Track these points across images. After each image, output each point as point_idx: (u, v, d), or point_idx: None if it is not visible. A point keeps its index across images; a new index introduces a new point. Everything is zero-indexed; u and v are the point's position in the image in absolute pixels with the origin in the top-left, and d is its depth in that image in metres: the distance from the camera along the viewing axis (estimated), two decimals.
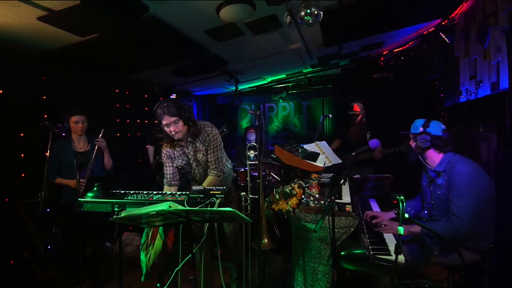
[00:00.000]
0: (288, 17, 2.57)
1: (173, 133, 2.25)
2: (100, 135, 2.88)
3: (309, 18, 2.60)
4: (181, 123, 2.24)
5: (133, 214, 1.43)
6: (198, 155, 2.40)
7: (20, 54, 2.94)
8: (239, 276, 2.71)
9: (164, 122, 2.21)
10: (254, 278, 2.16)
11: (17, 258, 2.82)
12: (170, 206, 1.42)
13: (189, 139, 2.38)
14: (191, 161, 2.46)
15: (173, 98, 2.48)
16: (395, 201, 1.31)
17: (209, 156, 2.40)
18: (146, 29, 2.73)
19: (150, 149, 4.34)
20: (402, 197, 1.29)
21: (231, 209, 1.36)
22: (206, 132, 2.38)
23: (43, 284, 2.80)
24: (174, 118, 2.20)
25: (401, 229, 1.25)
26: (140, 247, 1.95)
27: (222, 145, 2.50)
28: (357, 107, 3.85)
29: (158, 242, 1.81)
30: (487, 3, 3.04)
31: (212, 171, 2.42)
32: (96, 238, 3.03)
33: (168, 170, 2.46)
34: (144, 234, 1.96)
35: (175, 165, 2.46)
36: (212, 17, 2.72)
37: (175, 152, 2.44)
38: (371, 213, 2.32)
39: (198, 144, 2.39)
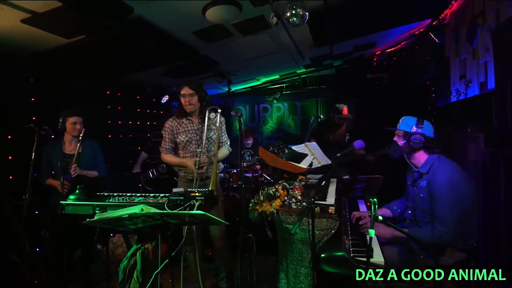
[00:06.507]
0: (274, 18, 2.56)
1: (187, 104, 2.54)
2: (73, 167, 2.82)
3: (295, 18, 2.59)
4: (196, 98, 2.56)
5: (106, 217, 1.42)
6: (210, 133, 2.64)
7: (7, 56, 2.93)
8: (228, 275, 2.71)
9: (182, 92, 2.53)
10: (244, 278, 2.14)
11: (5, 261, 2.81)
12: (142, 209, 1.41)
13: (200, 116, 2.65)
14: (195, 138, 2.64)
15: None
16: (368, 203, 1.30)
17: (223, 136, 2.79)
18: (132, 30, 2.73)
19: (143, 156, 4.30)
20: (375, 199, 1.28)
21: (202, 212, 1.35)
22: (217, 115, 2.65)
23: (32, 287, 2.78)
24: (191, 91, 2.52)
25: (371, 232, 1.24)
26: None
27: None
28: (346, 110, 3.77)
29: (134, 284, 1.75)
30: (476, 3, 3.03)
31: (227, 146, 2.85)
32: (85, 240, 3.02)
33: (168, 144, 2.68)
34: (120, 271, 1.88)
35: (177, 140, 2.64)
36: (200, 18, 2.71)
37: (180, 127, 2.64)
38: (358, 214, 2.29)
39: (210, 124, 2.62)
